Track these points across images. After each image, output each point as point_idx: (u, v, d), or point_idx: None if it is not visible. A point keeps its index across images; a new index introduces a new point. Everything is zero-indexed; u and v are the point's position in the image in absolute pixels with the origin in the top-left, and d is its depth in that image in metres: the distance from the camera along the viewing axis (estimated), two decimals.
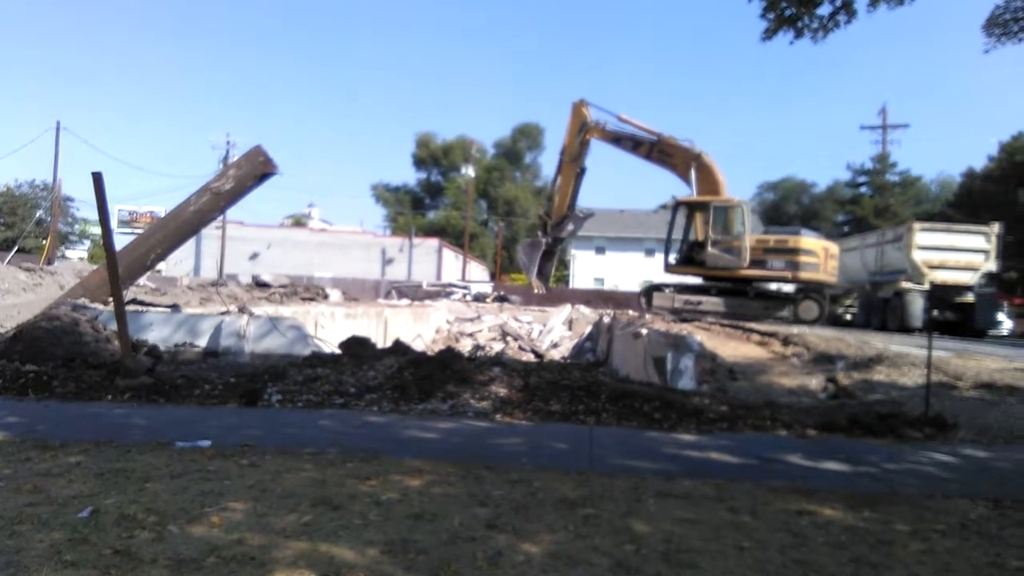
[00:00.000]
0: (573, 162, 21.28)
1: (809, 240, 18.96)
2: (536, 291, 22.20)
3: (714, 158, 19.49)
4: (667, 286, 20.30)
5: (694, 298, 18.76)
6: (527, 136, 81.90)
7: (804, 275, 18.50)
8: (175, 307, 15.16)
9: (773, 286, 20.26)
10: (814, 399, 9.60)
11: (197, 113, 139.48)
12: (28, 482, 4.55)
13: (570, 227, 22.38)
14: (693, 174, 19.46)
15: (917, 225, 21.03)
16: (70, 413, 7.19)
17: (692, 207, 19.27)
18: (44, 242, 44.04)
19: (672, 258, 19.63)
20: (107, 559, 3.35)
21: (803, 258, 18.37)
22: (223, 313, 13.86)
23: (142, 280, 19.23)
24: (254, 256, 52.71)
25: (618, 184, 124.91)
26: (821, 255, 18.98)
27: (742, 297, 18.51)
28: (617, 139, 21.78)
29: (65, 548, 3.44)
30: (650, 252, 54.52)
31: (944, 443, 7.10)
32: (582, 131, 21.01)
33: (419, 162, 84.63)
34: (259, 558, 3.43)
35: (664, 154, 20.22)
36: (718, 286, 18.78)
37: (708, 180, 19.34)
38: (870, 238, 24.26)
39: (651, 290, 20.01)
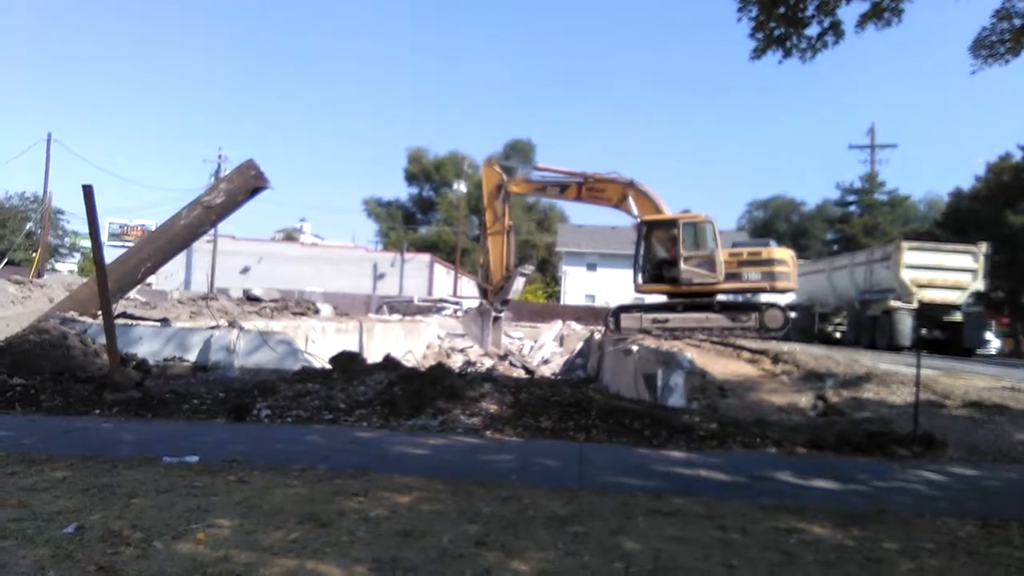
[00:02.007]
0: (498, 222, 20.53)
1: (781, 250, 19.04)
2: (491, 356, 21.16)
3: (648, 183, 19.32)
4: (634, 307, 20.22)
5: (662, 316, 18.73)
6: (519, 152, 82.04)
7: (780, 284, 18.59)
8: (165, 321, 15.08)
9: (767, 298, 20.27)
10: (804, 417, 9.61)
11: (189, 127, 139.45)
12: (13, 497, 4.51)
13: (515, 286, 21.65)
14: (632, 203, 19.34)
15: (905, 244, 21.16)
16: (57, 427, 7.13)
17: (659, 226, 19.22)
18: (34, 255, 43.86)
19: (641, 278, 19.50)
20: (91, 575, 3.32)
21: (778, 268, 18.45)
22: (213, 327, 13.80)
23: (132, 293, 19.14)
24: (245, 270, 52.55)
25: None
26: (790, 264, 19.11)
27: (708, 311, 18.53)
28: (541, 188, 21.54)
29: (49, 564, 3.41)
30: None
31: (933, 461, 7.13)
32: (500, 189, 20.48)
33: (411, 177, 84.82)
34: (245, 575, 3.40)
35: (595, 191, 19.96)
36: (684, 302, 18.76)
37: (647, 205, 19.26)
38: (859, 256, 24.37)
39: (619, 311, 19.81)
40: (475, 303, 43.34)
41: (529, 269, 24.08)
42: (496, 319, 20.83)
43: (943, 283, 20.60)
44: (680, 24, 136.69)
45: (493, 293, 20.58)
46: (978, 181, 44.37)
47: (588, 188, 19.99)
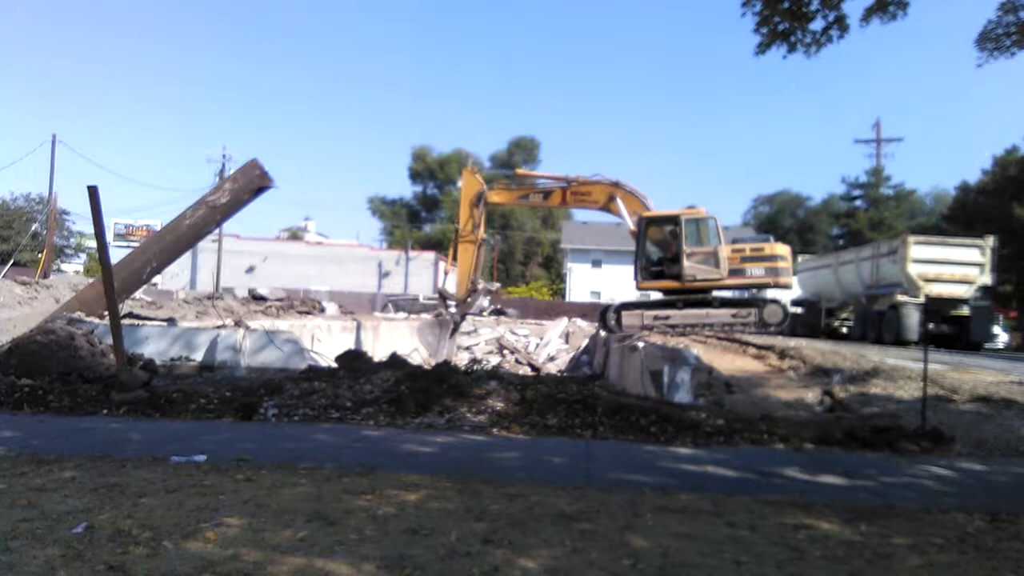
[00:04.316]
0: (472, 233, 19.90)
1: (782, 246, 19.00)
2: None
3: (653, 179, 19.23)
4: (635, 304, 20.09)
5: (663, 313, 18.64)
6: (523, 149, 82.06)
7: (782, 280, 18.57)
8: (171, 321, 15.13)
9: (772, 293, 20.25)
10: (811, 412, 9.60)
11: (193, 126, 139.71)
12: (23, 497, 4.52)
13: (478, 302, 21.09)
14: (620, 204, 19.15)
15: (912, 238, 21.11)
16: (65, 427, 7.16)
17: (661, 223, 19.12)
18: (40, 256, 43.93)
19: (643, 275, 19.36)
20: (101, 575, 3.33)
21: (780, 264, 18.41)
22: (219, 327, 13.83)
23: (138, 294, 19.20)
24: (250, 269, 52.62)
25: None
26: (789, 260, 19.08)
27: (707, 307, 18.46)
28: (524, 195, 21.17)
29: (59, 564, 3.42)
30: None
31: (941, 456, 7.11)
32: (480, 198, 19.77)
33: (415, 175, 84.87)
34: (254, 574, 3.41)
35: (580, 195, 19.64)
36: (684, 299, 18.68)
37: (635, 204, 19.09)
38: (865, 251, 24.32)
39: (621, 309, 19.63)
40: (481, 301, 43.05)
41: (495, 286, 23.60)
42: (453, 330, 20.35)
43: (950, 277, 20.54)
44: (684, 20, 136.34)
45: (457, 306, 20.16)
46: (985, 175, 44.26)
47: (573, 192, 19.77)
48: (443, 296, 20.87)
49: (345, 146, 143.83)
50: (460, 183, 21.46)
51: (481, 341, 28.90)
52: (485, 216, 20.29)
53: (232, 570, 3.43)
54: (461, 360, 22.22)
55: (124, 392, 8.37)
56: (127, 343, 9.87)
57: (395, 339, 23.03)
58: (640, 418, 8.11)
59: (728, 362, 12.44)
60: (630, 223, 19.15)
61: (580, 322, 31.31)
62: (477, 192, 19.85)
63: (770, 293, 20.43)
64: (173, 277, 48.52)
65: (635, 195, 19.28)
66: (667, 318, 18.46)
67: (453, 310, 20.33)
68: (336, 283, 49.50)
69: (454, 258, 20.52)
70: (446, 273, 21.78)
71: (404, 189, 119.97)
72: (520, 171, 25.38)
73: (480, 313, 24.96)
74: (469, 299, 20.07)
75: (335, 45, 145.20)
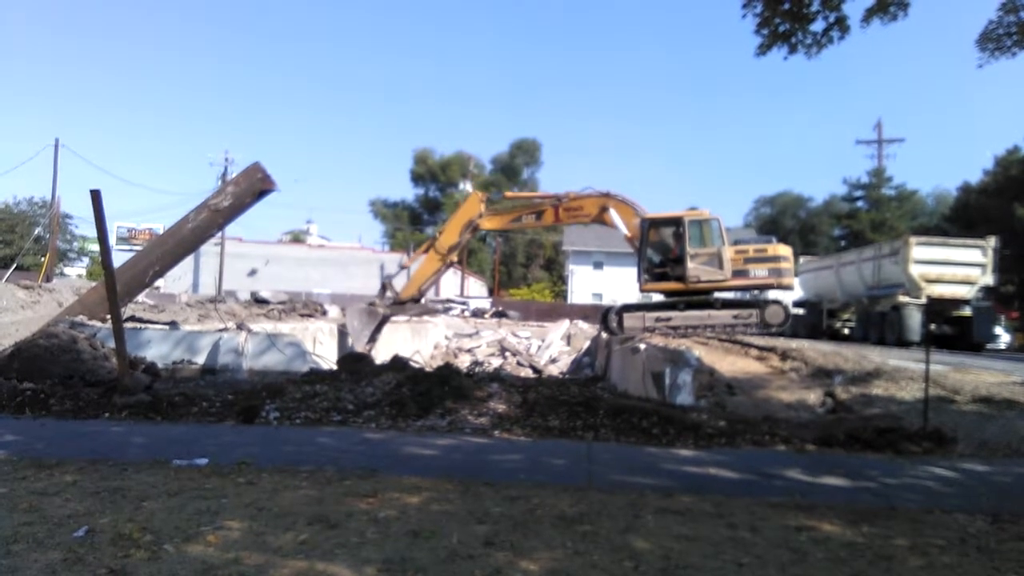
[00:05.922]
0: (447, 253, 19.74)
1: (784, 247, 18.97)
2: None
3: (654, 182, 19.12)
4: (637, 306, 20.04)
5: (664, 314, 18.60)
6: (525, 152, 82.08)
7: (785, 281, 18.55)
8: (173, 324, 15.13)
9: (774, 294, 20.21)
10: (812, 414, 9.59)
11: (196, 130, 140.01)
12: (24, 501, 4.53)
13: (413, 310, 20.96)
14: (613, 214, 19.09)
15: (914, 239, 21.07)
16: (67, 431, 7.17)
17: (664, 225, 19.10)
18: (43, 259, 43.99)
19: (646, 277, 19.32)
20: None
21: (783, 264, 18.38)
22: (221, 330, 13.84)
23: (140, 297, 19.22)
24: (252, 272, 52.60)
25: None
26: (792, 260, 19.06)
27: (709, 308, 18.43)
28: (517, 218, 20.77)
29: (61, 568, 3.43)
30: None
31: (943, 457, 7.10)
32: (470, 225, 19.65)
33: (417, 178, 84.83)
34: None
35: (573, 210, 19.46)
36: (686, 300, 18.65)
37: (628, 213, 19.07)
38: (867, 252, 24.29)
39: (623, 311, 19.57)
40: (482, 303, 42.97)
41: (433, 312, 23.09)
42: (380, 325, 20.12)
43: (952, 278, 20.51)
44: (685, 22, 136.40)
45: (394, 303, 19.99)
46: (986, 175, 44.23)
47: (565, 208, 19.67)
48: (385, 287, 20.56)
49: (347, 149, 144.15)
50: (465, 188, 21.63)
51: (483, 343, 28.91)
52: (467, 241, 20.22)
53: (233, 573, 3.44)
54: (463, 362, 22.25)
55: (126, 396, 8.38)
56: (129, 347, 9.88)
57: (397, 341, 23.02)
58: (642, 420, 8.10)
59: (730, 364, 12.41)
60: (625, 230, 19.09)
61: (582, 324, 31.29)
62: (472, 216, 19.79)
63: (772, 294, 20.41)
64: (176, 280, 48.50)
65: (627, 203, 19.26)
66: (669, 320, 18.41)
67: (387, 299, 20.11)
68: (338, 286, 49.47)
69: (423, 252, 20.37)
70: (401, 267, 21.48)
71: (406, 192, 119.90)
72: (509, 193, 25.24)
73: (446, 312, 24.74)
74: (407, 304, 19.99)
75: (336, 48, 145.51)
